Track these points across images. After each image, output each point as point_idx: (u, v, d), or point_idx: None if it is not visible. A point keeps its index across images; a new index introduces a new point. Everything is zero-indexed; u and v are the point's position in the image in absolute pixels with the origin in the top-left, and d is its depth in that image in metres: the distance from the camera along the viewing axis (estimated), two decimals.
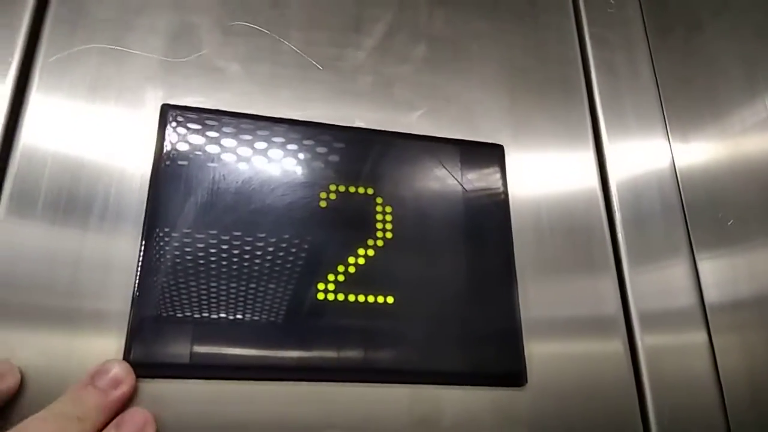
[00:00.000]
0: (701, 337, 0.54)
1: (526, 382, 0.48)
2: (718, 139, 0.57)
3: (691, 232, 0.58)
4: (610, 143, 0.61)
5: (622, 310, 0.54)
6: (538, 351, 0.50)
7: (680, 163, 0.61)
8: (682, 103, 0.63)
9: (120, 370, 0.40)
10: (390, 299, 0.48)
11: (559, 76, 0.63)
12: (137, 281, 0.43)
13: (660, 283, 0.55)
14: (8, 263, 0.42)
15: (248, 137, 0.50)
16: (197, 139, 0.48)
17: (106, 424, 0.39)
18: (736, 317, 0.53)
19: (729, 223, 0.54)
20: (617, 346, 0.52)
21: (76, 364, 0.41)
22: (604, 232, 0.57)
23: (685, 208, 0.59)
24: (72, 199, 0.45)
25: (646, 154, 0.61)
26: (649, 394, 0.51)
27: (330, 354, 0.45)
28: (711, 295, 0.55)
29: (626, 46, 0.66)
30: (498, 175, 0.55)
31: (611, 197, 0.58)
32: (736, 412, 0.51)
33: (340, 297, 0.47)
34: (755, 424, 0.50)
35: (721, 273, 0.54)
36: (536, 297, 0.52)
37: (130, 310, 0.42)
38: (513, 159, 0.57)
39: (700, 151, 0.59)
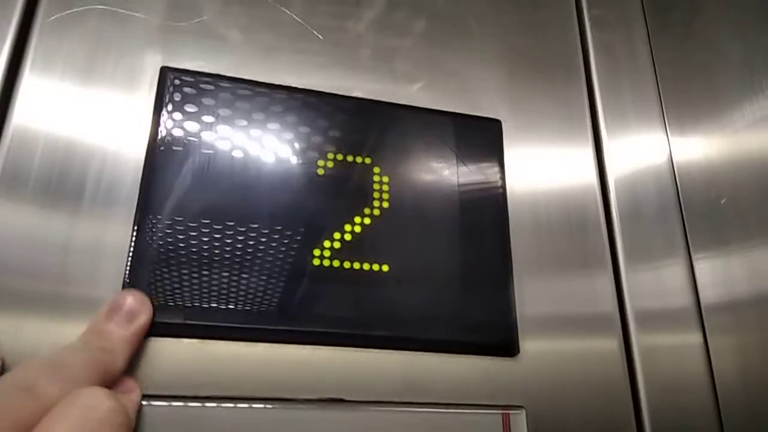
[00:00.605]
0: (696, 337, 0.54)
1: (519, 352, 0.49)
2: (716, 133, 0.57)
3: (688, 231, 0.58)
4: (607, 126, 0.61)
5: (618, 308, 0.54)
6: (532, 348, 0.50)
7: (678, 158, 0.61)
8: (680, 87, 0.63)
9: (134, 300, 0.40)
10: (385, 267, 0.48)
11: (558, 57, 0.63)
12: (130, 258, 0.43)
13: (656, 282, 0.55)
14: None
15: (247, 102, 0.49)
16: (196, 102, 0.48)
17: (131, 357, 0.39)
18: (732, 318, 0.53)
19: (722, 202, 0.54)
20: (612, 344, 0.52)
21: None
22: (600, 227, 0.57)
23: (683, 206, 0.59)
24: (68, 166, 0.44)
25: (643, 140, 0.61)
26: (643, 394, 0.51)
27: (324, 318, 0.45)
28: (707, 295, 0.55)
29: (625, 28, 0.66)
30: (495, 150, 0.56)
31: (608, 188, 0.58)
32: (729, 413, 0.51)
33: (336, 263, 0.47)
34: (749, 426, 0.50)
35: (718, 273, 0.54)
36: (531, 293, 0.52)
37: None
38: (510, 136, 0.57)
39: (698, 146, 0.59)
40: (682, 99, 0.62)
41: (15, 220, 0.42)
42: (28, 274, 0.41)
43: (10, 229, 0.42)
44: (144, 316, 0.40)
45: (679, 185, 0.60)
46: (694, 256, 0.57)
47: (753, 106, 0.53)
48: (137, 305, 0.40)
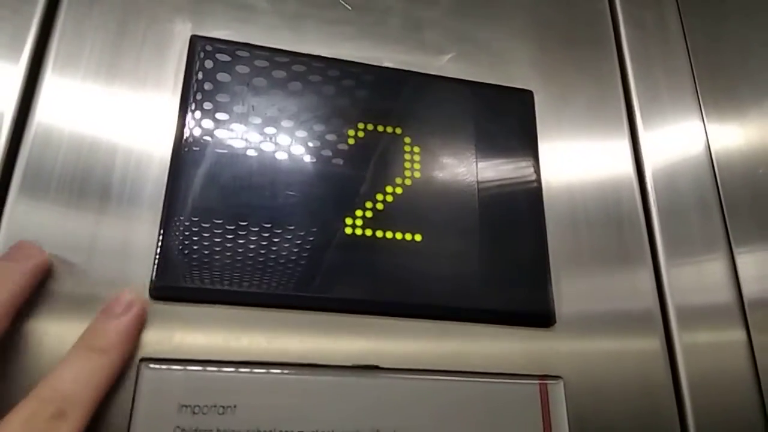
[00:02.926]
0: (740, 334, 0.52)
1: (555, 322, 0.48)
2: (757, 119, 0.55)
3: (728, 223, 0.55)
4: (641, 110, 0.59)
5: (659, 304, 0.52)
6: (569, 337, 0.48)
7: (716, 146, 0.58)
8: (716, 69, 0.61)
9: (127, 295, 0.40)
10: (418, 237, 0.47)
11: (588, 29, 0.62)
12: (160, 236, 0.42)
13: (697, 277, 0.53)
14: None
15: (278, 71, 0.49)
16: (228, 70, 0.48)
17: (131, 351, 0.39)
18: None
19: (759, 171, 0.52)
20: (654, 342, 0.50)
21: None
22: (639, 220, 0.55)
23: (722, 198, 0.56)
24: (93, 157, 0.43)
25: (678, 127, 0.59)
26: (687, 393, 0.49)
27: (356, 286, 0.45)
28: (750, 290, 0.53)
29: (656, 2, 0.65)
30: (527, 121, 0.54)
31: (644, 173, 0.56)
32: None
33: (368, 232, 0.46)
34: None
35: (761, 267, 0.53)
36: (569, 290, 0.50)
37: (152, 275, 0.41)
38: (542, 109, 0.56)
39: (737, 132, 0.57)
40: (718, 80, 0.60)
41: (39, 221, 0.41)
42: (53, 275, 0.40)
43: (35, 229, 0.40)
44: (138, 307, 0.39)
45: (718, 174, 0.57)
46: (735, 250, 0.54)
47: None
48: (130, 298, 0.39)
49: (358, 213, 0.47)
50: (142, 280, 0.41)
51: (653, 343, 0.50)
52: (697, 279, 0.53)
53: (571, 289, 0.50)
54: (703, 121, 0.60)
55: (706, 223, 0.56)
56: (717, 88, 0.60)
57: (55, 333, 0.39)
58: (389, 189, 0.48)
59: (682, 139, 0.59)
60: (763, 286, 0.52)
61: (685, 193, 0.56)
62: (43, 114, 0.44)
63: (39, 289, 0.39)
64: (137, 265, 0.42)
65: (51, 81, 0.45)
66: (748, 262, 0.54)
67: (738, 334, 0.52)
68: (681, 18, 0.65)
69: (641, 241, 0.54)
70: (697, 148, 0.59)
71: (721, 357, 0.51)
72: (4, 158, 0.42)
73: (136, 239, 0.42)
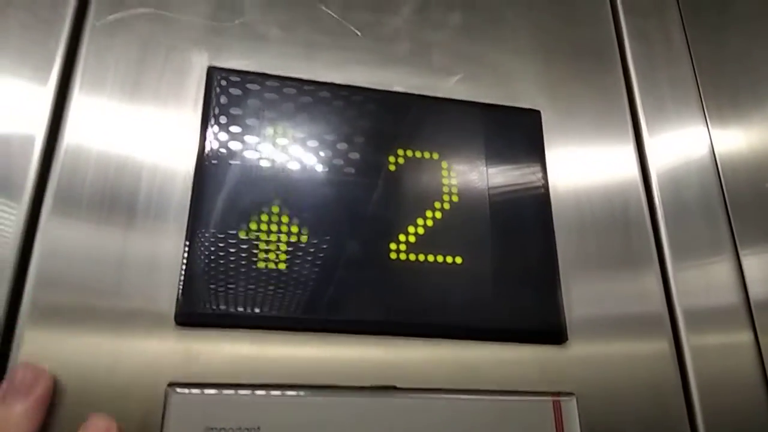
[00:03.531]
0: (747, 335, 0.53)
1: (567, 339, 0.49)
2: (759, 122, 0.56)
3: (734, 226, 0.56)
4: (646, 116, 0.60)
5: (666, 307, 0.53)
6: (582, 346, 0.50)
7: (720, 149, 0.59)
8: (718, 75, 0.62)
9: (26, 373, 0.37)
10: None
11: (593, 44, 0.63)
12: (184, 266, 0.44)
13: (704, 280, 0.54)
14: (53, 263, 0.42)
15: (303, 99, 0.51)
16: (244, 103, 0.49)
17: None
18: None
19: (766, 185, 0.53)
20: (663, 345, 0.51)
21: (123, 364, 0.41)
22: (645, 224, 0.56)
23: (727, 200, 0.57)
24: (120, 178, 0.45)
25: (683, 132, 0.60)
26: (696, 395, 0.50)
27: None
28: (756, 291, 0.54)
29: (659, 15, 0.66)
30: (536, 142, 0.56)
31: (650, 178, 0.58)
32: None
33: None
34: None
35: (767, 268, 0.54)
36: (578, 293, 0.51)
37: (177, 301, 0.43)
38: (550, 127, 0.57)
39: (740, 136, 0.58)
40: (721, 88, 0.61)
41: (71, 237, 0.43)
42: (85, 289, 0.42)
43: (67, 246, 0.42)
44: (42, 385, 0.37)
45: (722, 178, 0.58)
46: (741, 252, 0.55)
47: None
48: (31, 376, 0.37)
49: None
50: (169, 294, 0.43)
51: (662, 347, 0.51)
52: (704, 281, 0.54)
53: (580, 296, 0.51)
54: (707, 126, 0.61)
55: (712, 226, 0.57)
56: (720, 94, 0.61)
57: (86, 345, 0.40)
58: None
59: (686, 144, 0.60)
60: None
61: (690, 196, 0.58)
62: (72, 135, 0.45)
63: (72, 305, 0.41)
64: (164, 278, 0.43)
65: (78, 103, 0.46)
66: (753, 263, 0.55)
67: (745, 336, 0.53)
68: (684, 27, 0.66)
69: (648, 245, 0.55)
70: (701, 153, 0.60)
71: (730, 358, 0.52)
72: (37, 178, 0.44)
73: (163, 253, 0.44)
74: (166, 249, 0.44)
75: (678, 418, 0.49)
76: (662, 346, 0.51)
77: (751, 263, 0.55)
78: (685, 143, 0.60)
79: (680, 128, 0.61)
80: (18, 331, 0.40)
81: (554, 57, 0.61)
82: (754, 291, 0.54)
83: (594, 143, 0.58)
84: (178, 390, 0.41)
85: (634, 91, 0.62)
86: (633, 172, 0.58)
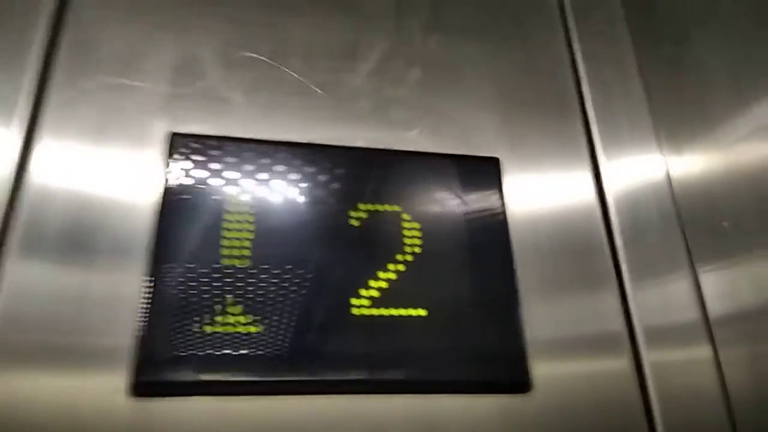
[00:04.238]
0: (707, 351, 0.54)
1: (532, 388, 0.49)
2: (711, 149, 0.58)
3: (690, 245, 0.58)
4: (605, 155, 0.62)
5: (626, 326, 0.54)
6: (543, 372, 0.50)
7: (675, 175, 0.61)
8: (673, 112, 0.64)
9: None
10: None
11: (552, 93, 0.65)
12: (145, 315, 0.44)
13: (663, 298, 0.55)
14: (17, 304, 0.43)
15: (261, 161, 0.52)
16: (209, 167, 0.50)
17: None
18: (741, 330, 0.52)
19: (724, 224, 0.54)
20: (623, 363, 0.52)
21: (84, 400, 0.41)
22: (603, 247, 0.57)
23: (683, 221, 0.59)
24: (81, 234, 0.46)
25: (641, 167, 0.62)
26: (657, 411, 0.51)
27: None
28: (714, 308, 0.55)
29: (616, 60, 0.68)
30: (495, 186, 0.57)
31: (609, 211, 0.59)
32: (744, 426, 0.50)
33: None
34: None
35: (723, 285, 0.54)
36: (539, 318, 0.52)
37: (136, 347, 0.43)
38: (510, 171, 0.58)
39: (694, 163, 0.60)
40: (675, 118, 0.63)
41: (35, 276, 0.44)
42: (46, 328, 0.43)
43: (31, 285, 0.44)
44: None
45: (677, 200, 0.60)
46: (698, 270, 0.57)
47: (744, 118, 0.54)
48: None
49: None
50: (129, 329, 0.43)
51: (623, 365, 0.52)
52: (662, 299, 0.55)
53: (541, 319, 0.52)
54: (663, 155, 0.63)
55: (669, 246, 0.58)
56: (675, 127, 0.63)
57: (47, 382, 0.41)
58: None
59: (641, 169, 0.62)
60: (726, 303, 0.54)
61: (647, 218, 0.59)
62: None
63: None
64: (125, 315, 0.44)
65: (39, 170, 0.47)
66: (711, 280, 0.55)
67: (704, 351, 0.54)
68: (641, 71, 0.68)
69: (607, 266, 0.56)
70: (657, 176, 0.61)
71: (690, 374, 0.53)
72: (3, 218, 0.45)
73: (124, 290, 0.45)
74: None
75: None
76: (622, 364, 0.52)
77: (708, 280, 0.56)
78: (641, 168, 0.62)
79: (636, 155, 0.63)
80: None
81: (513, 107, 0.62)
82: (712, 307, 0.55)
83: (553, 181, 0.60)
84: None
85: (593, 129, 0.63)
86: (590, 197, 0.59)
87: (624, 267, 0.56)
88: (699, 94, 0.60)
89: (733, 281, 0.53)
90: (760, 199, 0.51)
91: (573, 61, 0.67)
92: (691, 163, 0.60)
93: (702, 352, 0.54)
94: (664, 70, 0.66)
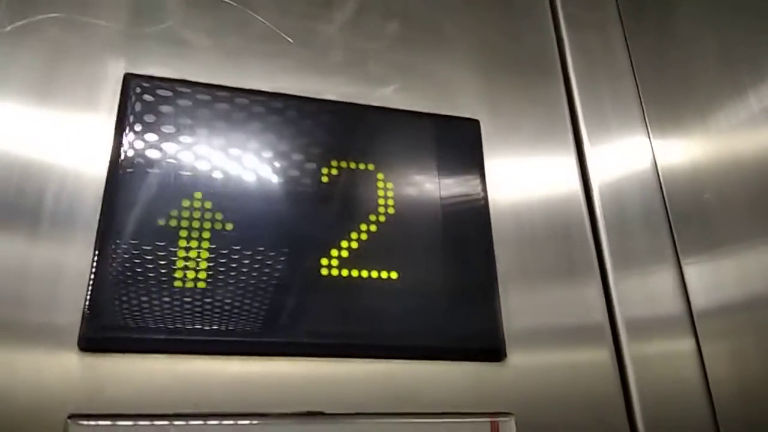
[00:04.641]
0: (689, 343, 0.52)
1: (506, 356, 0.47)
2: (700, 134, 0.55)
3: (675, 236, 0.56)
4: (588, 129, 0.60)
5: (608, 317, 0.52)
6: (521, 362, 0.48)
7: (662, 161, 0.59)
8: (660, 86, 0.62)
9: None
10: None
11: (534, 56, 0.62)
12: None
13: (646, 289, 0.53)
14: None
15: (215, 109, 0.48)
16: (162, 111, 0.46)
17: None
18: (725, 322, 0.51)
19: (705, 196, 0.53)
20: (604, 353, 0.50)
21: (19, 391, 0.37)
22: (586, 235, 0.55)
23: (669, 211, 0.57)
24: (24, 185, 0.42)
25: (625, 144, 0.60)
26: (637, 403, 0.49)
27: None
28: (698, 300, 0.53)
29: (600, 27, 0.66)
30: (475, 152, 0.54)
31: (591, 189, 0.57)
32: (726, 420, 0.49)
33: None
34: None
35: (708, 277, 0.53)
36: (519, 304, 0.50)
37: (81, 323, 0.40)
38: (490, 138, 0.56)
39: (681, 148, 0.57)
40: (663, 99, 0.61)
41: None
42: None
43: None
44: None
45: (664, 189, 0.58)
46: (683, 261, 0.55)
47: (737, 105, 0.52)
48: None
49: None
50: (76, 303, 0.39)
51: (603, 357, 0.50)
52: (645, 291, 0.54)
53: (520, 307, 0.50)
54: (649, 138, 0.61)
55: (654, 236, 0.56)
56: (661, 106, 0.61)
57: None
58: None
59: (628, 155, 0.60)
60: (710, 295, 0.52)
61: (631, 207, 0.57)
62: None
63: None
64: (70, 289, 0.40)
65: None
66: (695, 273, 0.54)
67: (687, 344, 0.52)
68: (626, 40, 0.66)
69: (589, 255, 0.54)
70: (643, 164, 0.59)
71: (671, 367, 0.51)
72: None
73: (69, 262, 0.41)
74: (73, 260, 0.41)
75: (619, 428, 0.48)
76: (603, 356, 0.50)
77: (692, 272, 0.54)
78: (627, 155, 0.60)
79: (622, 140, 0.60)
80: None
81: (494, 69, 0.60)
82: (696, 300, 0.53)
83: (535, 155, 0.57)
84: (80, 422, 0.37)
85: (576, 103, 0.61)
86: (574, 183, 0.57)
87: (607, 256, 0.54)
88: (688, 73, 0.58)
89: (718, 273, 0.52)
90: (748, 189, 0.50)
91: (556, 25, 0.65)
92: (678, 149, 0.58)
93: (685, 344, 0.52)
94: (650, 43, 0.64)
